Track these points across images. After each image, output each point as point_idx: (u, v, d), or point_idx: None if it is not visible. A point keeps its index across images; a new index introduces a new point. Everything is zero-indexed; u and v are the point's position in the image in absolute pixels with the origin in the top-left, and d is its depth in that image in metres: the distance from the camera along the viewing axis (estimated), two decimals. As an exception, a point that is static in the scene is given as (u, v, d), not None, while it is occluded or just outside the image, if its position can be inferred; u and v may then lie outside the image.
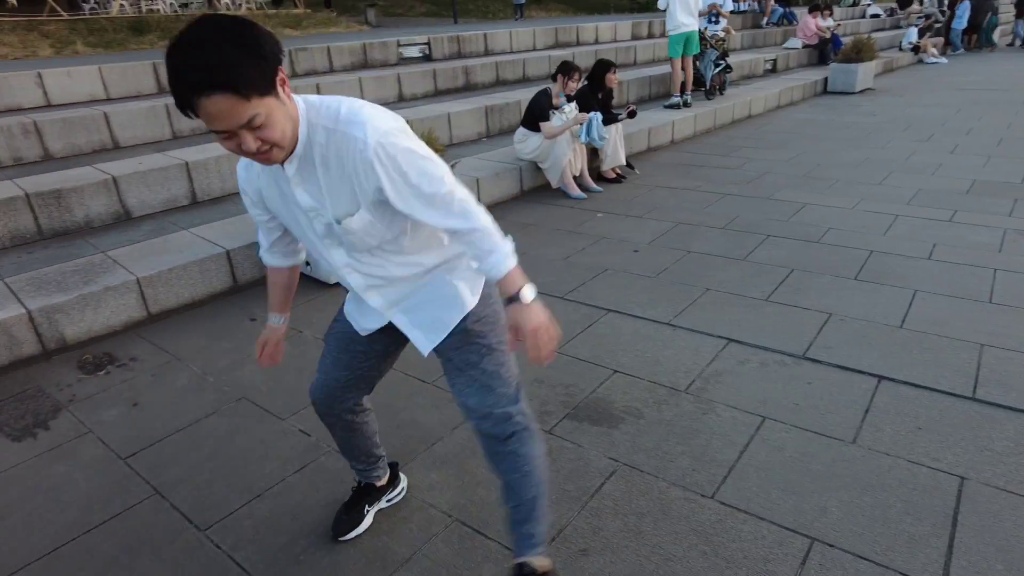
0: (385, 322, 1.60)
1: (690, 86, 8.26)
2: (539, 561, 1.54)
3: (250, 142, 1.20)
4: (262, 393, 2.79)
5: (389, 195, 1.31)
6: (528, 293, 1.39)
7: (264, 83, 1.16)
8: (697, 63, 8.67)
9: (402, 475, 2.18)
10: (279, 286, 1.78)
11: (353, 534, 1.98)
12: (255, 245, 3.89)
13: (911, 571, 1.75)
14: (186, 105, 1.13)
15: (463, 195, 1.38)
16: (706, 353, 2.88)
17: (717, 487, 2.09)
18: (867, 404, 2.48)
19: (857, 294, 3.39)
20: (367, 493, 2.04)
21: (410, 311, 1.56)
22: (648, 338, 3.04)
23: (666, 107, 8.16)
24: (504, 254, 1.40)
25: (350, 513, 2.01)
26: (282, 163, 1.32)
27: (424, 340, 1.56)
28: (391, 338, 1.65)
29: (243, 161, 1.45)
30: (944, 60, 15.12)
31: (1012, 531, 1.86)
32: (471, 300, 1.54)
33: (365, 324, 1.63)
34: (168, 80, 1.14)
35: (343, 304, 1.72)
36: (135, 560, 1.95)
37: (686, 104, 8.14)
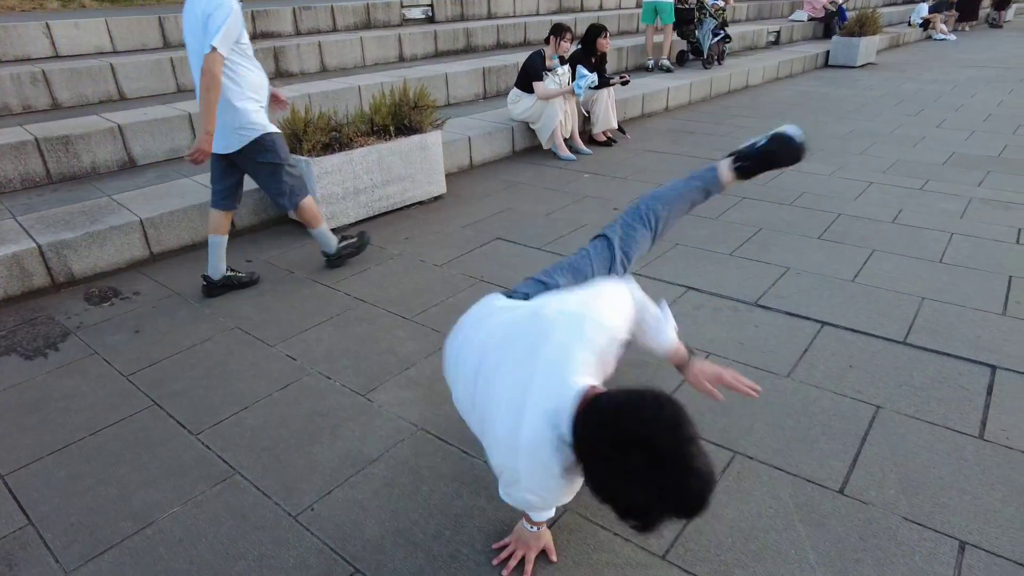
0: None
1: (665, 53, 8.78)
2: None
3: None
4: (254, 324, 3.02)
5: None
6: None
7: None
8: (696, 32, 8.74)
9: None
10: None
11: None
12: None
13: (817, 479, 1.99)
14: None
15: None
16: (666, 299, 3.09)
17: (656, 408, 2.32)
18: (807, 345, 2.70)
19: (818, 252, 3.59)
20: None
21: None
22: (615, 285, 3.26)
23: (648, 71, 8.77)
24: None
25: None
26: None
27: None
28: None
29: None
30: (952, 37, 15.02)
31: (911, 449, 2.09)
32: None
33: None
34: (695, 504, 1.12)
35: None
36: (136, 456, 2.20)
37: (664, 70, 8.66)
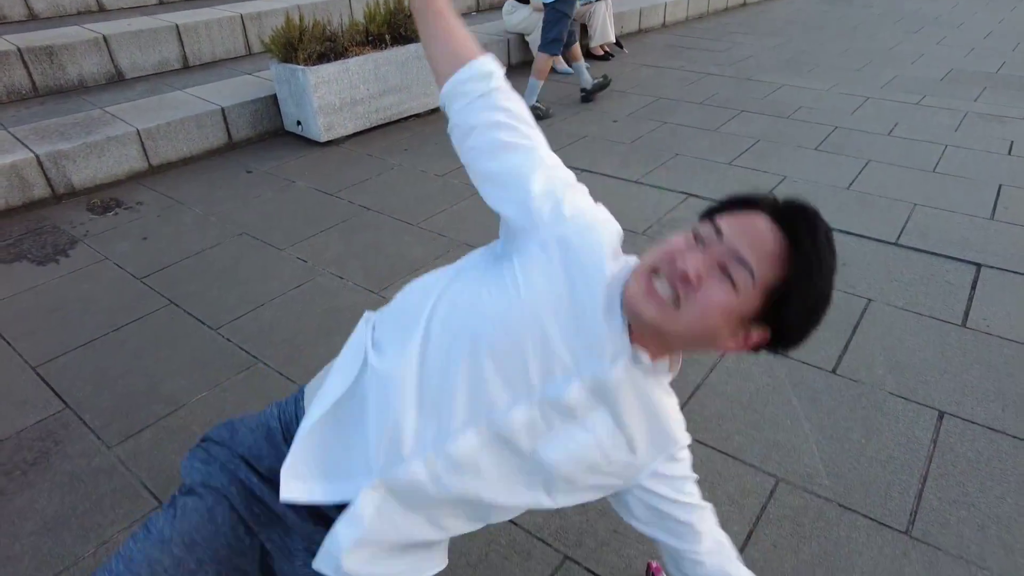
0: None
1: None
2: None
3: (699, 266, 0.80)
4: (261, 229, 3.06)
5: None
6: None
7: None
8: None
9: None
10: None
11: None
12: (248, 104, 4.06)
13: (811, 361, 2.12)
14: (743, 207, 0.84)
15: None
16: (666, 205, 3.17)
17: (659, 302, 2.43)
18: (802, 247, 2.79)
19: (814, 162, 3.64)
20: None
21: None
22: (615, 193, 3.31)
23: None
24: None
25: None
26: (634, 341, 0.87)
27: None
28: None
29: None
30: (955, -46, 14.58)
31: (897, 336, 2.22)
32: None
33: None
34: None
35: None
36: (160, 350, 2.28)
37: None
